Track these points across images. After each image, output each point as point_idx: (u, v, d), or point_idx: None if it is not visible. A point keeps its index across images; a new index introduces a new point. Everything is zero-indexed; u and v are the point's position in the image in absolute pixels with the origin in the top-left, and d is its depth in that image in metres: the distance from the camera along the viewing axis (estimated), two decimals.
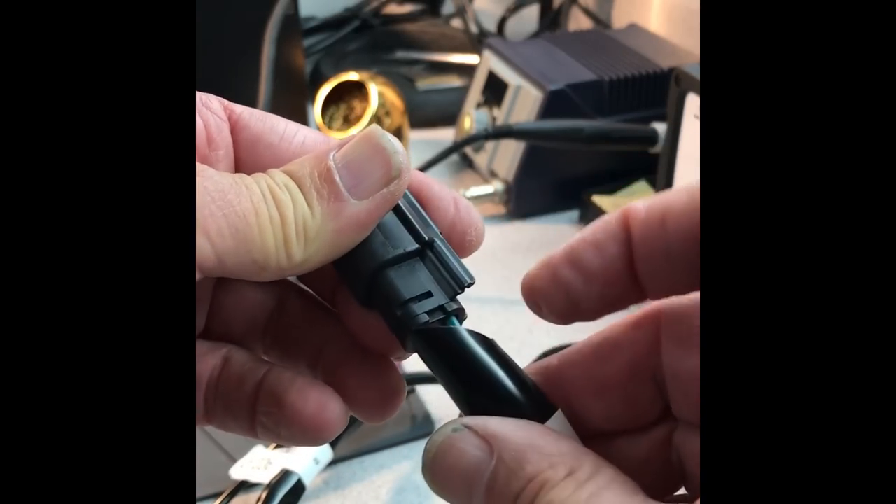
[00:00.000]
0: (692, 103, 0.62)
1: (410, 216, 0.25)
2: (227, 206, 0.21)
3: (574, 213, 0.79)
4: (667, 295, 0.24)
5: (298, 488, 0.48)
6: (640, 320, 0.25)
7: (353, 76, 0.84)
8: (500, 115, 0.79)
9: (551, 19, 1.06)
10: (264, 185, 0.22)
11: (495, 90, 0.80)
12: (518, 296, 0.25)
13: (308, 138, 0.26)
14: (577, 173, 0.78)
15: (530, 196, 0.78)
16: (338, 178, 0.23)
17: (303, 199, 0.23)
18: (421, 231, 0.25)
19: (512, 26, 1.10)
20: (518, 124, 0.72)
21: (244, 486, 0.49)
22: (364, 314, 0.25)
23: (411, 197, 0.25)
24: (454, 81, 0.96)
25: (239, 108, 0.26)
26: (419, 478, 0.52)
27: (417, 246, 0.25)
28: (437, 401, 0.57)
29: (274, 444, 0.50)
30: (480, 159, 0.81)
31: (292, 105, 0.86)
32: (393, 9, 1.16)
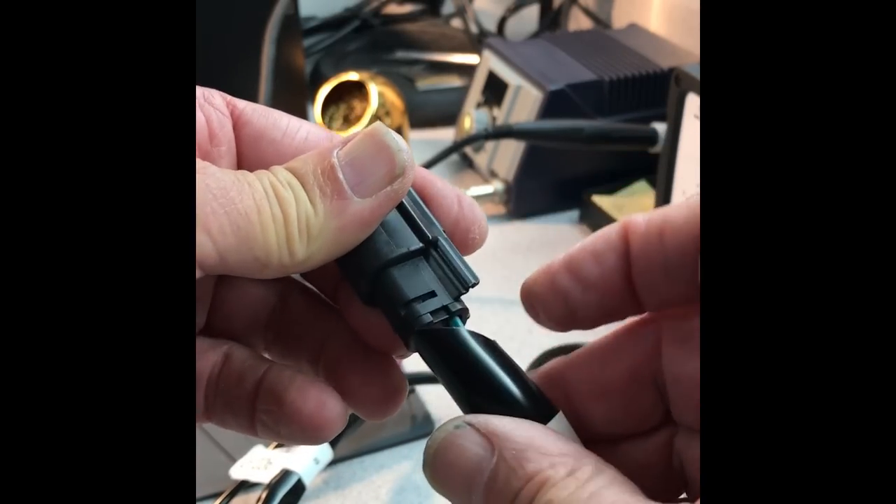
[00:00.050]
0: (692, 103, 0.62)
1: (414, 214, 0.25)
2: (229, 204, 0.21)
3: (574, 213, 0.79)
4: (663, 308, 0.24)
5: (298, 488, 0.48)
6: (641, 325, 0.25)
7: (353, 76, 0.84)
8: (500, 115, 0.79)
9: (551, 19, 1.06)
10: (267, 182, 0.22)
11: (495, 90, 0.80)
12: (518, 296, 0.25)
13: (311, 134, 0.26)
14: (577, 173, 0.78)
15: (530, 196, 0.78)
16: (341, 176, 0.23)
17: (306, 197, 0.22)
18: (425, 229, 0.25)
19: (512, 26, 1.10)
20: (518, 124, 0.72)
21: (244, 486, 0.49)
22: (366, 311, 0.25)
23: (415, 194, 0.25)
24: (454, 81, 0.96)
25: (241, 104, 0.25)
26: (419, 478, 0.52)
27: (421, 245, 0.24)
28: (437, 401, 0.57)
29: (274, 444, 0.50)
30: (480, 159, 0.81)
31: (292, 105, 0.86)
32: (393, 9, 1.16)
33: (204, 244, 0.21)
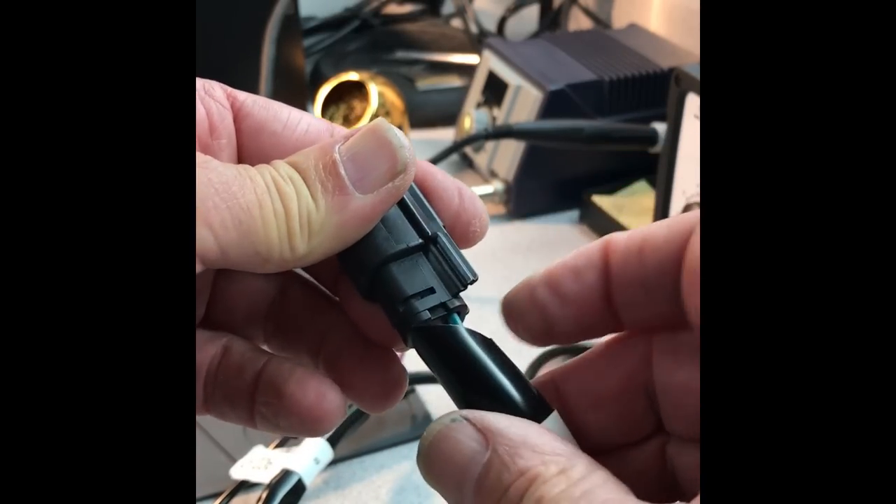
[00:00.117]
0: (692, 103, 0.62)
1: (414, 210, 0.25)
2: (230, 199, 0.21)
3: (574, 213, 0.79)
4: (642, 326, 0.25)
5: (299, 488, 0.48)
6: (633, 335, 0.25)
7: (353, 76, 0.84)
8: (500, 115, 0.79)
9: (551, 19, 1.06)
10: (268, 176, 0.22)
11: (495, 90, 0.80)
12: None
13: (312, 126, 0.26)
14: (577, 173, 0.78)
15: (530, 196, 0.78)
16: (343, 171, 0.23)
17: (307, 192, 0.22)
18: (425, 226, 0.24)
19: (512, 26, 1.10)
20: (518, 124, 0.72)
21: (244, 486, 0.49)
22: (366, 304, 0.25)
23: (416, 189, 0.25)
24: (454, 81, 0.96)
25: (242, 96, 0.25)
26: (419, 478, 0.52)
27: (421, 241, 0.24)
28: (437, 401, 0.57)
29: (274, 444, 0.50)
30: (480, 159, 0.81)
31: (292, 105, 0.86)
32: (393, 9, 1.16)
33: (205, 238, 0.21)
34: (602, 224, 0.75)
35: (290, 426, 0.25)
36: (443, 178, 0.26)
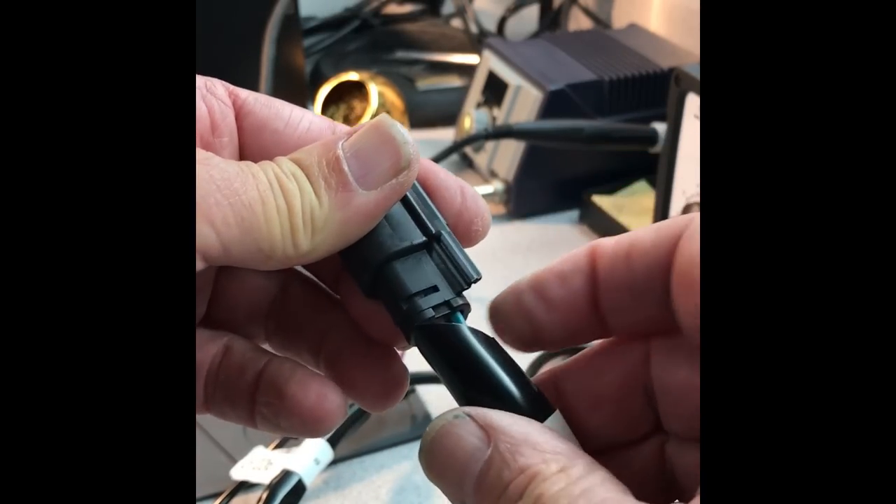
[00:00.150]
0: (692, 103, 0.62)
1: (418, 207, 0.24)
2: (233, 196, 0.21)
3: (574, 213, 0.79)
4: (629, 331, 0.25)
5: (299, 488, 0.48)
6: (622, 341, 0.25)
7: (353, 76, 0.84)
8: (500, 115, 0.79)
9: (551, 19, 1.06)
10: (271, 173, 0.22)
11: (495, 90, 0.80)
12: None
13: (314, 124, 0.25)
14: (577, 173, 0.78)
15: (530, 196, 0.78)
16: (346, 168, 0.23)
17: (310, 189, 0.22)
18: (428, 223, 0.24)
19: (512, 26, 1.10)
20: (518, 124, 0.72)
21: (244, 486, 0.49)
22: (368, 302, 0.25)
23: (419, 187, 0.25)
24: (454, 81, 0.96)
25: (244, 93, 0.25)
26: (419, 478, 0.52)
27: (424, 239, 0.24)
28: (438, 401, 0.57)
29: (274, 445, 0.50)
30: (480, 159, 0.81)
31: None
32: (393, 9, 1.16)
33: (208, 236, 0.21)
34: (602, 224, 0.75)
35: (291, 427, 0.25)
36: (445, 176, 0.25)
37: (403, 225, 0.24)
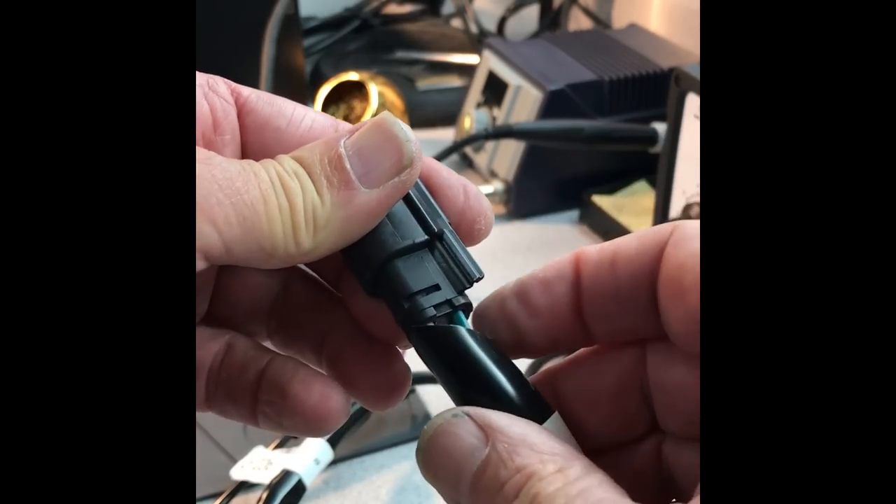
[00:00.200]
0: (692, 103, 0.62)
1: (420, 206, 0.24)
2: (234, 195, 0.21)
3: (574, 213, 0.79)
4: (612, 339, 0.25)
5: (299, 489, 0.48)
6: (604, 350, 0.25)
7: (353, 76, 0.84)
8: (500, 115, 0.79)
9: (551, 19, 1.06)
10: (273, 172, 0.22)
11: (495, 90, 0.80)
12: None
13: (316, 122, 0.25)
14: (577, 173, 0.78)
15: (530, 196, 0.78)
16: (348, 166, 0.23)
17: (312, 187, 0.22)
18: (431, 222, 0.24)
19: (512, 26, 1.10)
20: (518, 124, 0.72)
21: (244, 486, 0.49)
22: (369, 301, 0.25)
23: (422, 185, 0.25)
24: (454, 81, 0.96)
25: (246, 91, 0.25)
26: (419, 478, 0.52)
27: (427, 237, 0.24)
28: (437, 401, 0.57)
29: (274, 445, 0.50)
30: (480, 159, 0.81)
31: None
32: (393, 9, 1.16)
33: (209, 235, 0.21)
34: (602, 224, 0.75)
35: (293, 426, 0.25)
36: (448, 175, 0.25)
37: (405, 223, 0.24)
